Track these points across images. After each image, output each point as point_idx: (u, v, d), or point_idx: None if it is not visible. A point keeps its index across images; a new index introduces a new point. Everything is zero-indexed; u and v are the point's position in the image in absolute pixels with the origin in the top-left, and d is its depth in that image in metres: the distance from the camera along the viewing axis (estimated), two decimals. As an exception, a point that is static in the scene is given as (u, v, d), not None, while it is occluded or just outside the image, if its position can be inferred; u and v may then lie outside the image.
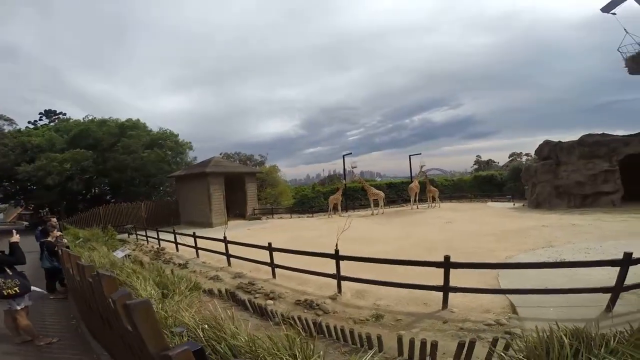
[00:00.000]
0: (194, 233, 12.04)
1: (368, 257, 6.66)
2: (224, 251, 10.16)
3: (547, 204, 18.16)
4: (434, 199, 23.86)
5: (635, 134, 16.94)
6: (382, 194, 23.25)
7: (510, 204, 22.24)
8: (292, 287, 7.56)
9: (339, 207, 23.71)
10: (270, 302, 6.67)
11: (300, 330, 2.63)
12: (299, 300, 6.55)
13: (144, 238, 16.31)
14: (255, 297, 6.97)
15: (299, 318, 4.73)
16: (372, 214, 21.95)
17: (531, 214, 16.64)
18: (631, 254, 4.58)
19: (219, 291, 6.93)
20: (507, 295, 5.58)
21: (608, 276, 5.41)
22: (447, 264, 5.30)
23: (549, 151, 18.84)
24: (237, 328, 2.52)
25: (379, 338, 3.74)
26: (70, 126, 29.26)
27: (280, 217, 24.48)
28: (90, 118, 31.04)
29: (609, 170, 16.68)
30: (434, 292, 5.72)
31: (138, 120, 30.74)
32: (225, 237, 10.24)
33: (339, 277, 6.77)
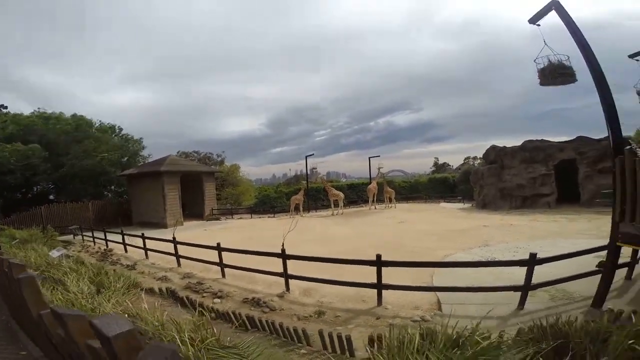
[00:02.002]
0: (142, 234, 11.92)
1: (311, 256, 6.98)
2: (173, 252, 10.11)
3: (493, 205, 19.47)
4: (390, 200, 24.68)
5: (569, 141, 18.60)
6: (341, 194, 23.69)
7: (461, 205, 23.58)
8: (242, 286, 7.71)
9: (301, 208, 23.84)
10: (217, 300, 6.81)
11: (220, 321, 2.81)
12: (247, 299, 6.73)
13: (91, 239, 15.83)
14: (203, 297, 7.09)
15: (233, 313, 4.95)
16: (333, 214, 22.30)
17: (477, 215, 17.77)
18: (535, 254, 5.06)
19: (160, 290, 6.99)
20: (437, 292, 5.95)
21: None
22: (379, 263, 5.59)
23: (494, 155, 20.23)
24: (152, 316, 2.84)
25: (304, 332, 3.96)
26: (8, 119, 26.83)
27: (240, 218, 24.24)
28: (38, 112, 28.69)
29: (546, 174, 18.21)
30: (372, 290, 6.00)
31: (83, 117, 28.85)
32: (174, 238, 10.18)
33: (286, 275, 7.04)
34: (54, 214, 22.06)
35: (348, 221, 18.71)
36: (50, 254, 8.37)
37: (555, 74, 4.89)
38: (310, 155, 28.49)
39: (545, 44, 5.24)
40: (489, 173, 19.85)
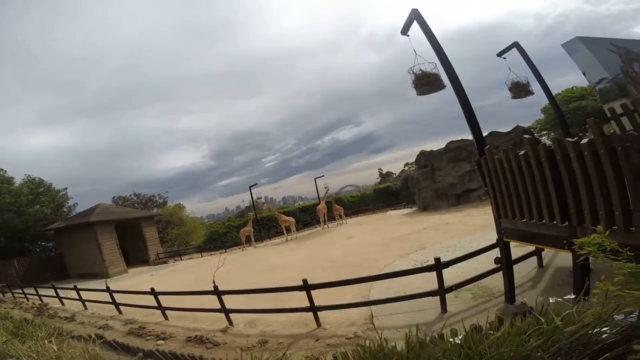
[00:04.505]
0: (75, 286, 11.92)
1: (245, 289, 7.20)
2: (110, 300, 10.13)
3: (432, 205, 20.72)
4: (340, 216, 25.15)
5: (484, 136, 20.57)
6: (292, 219, 23.62)
7: (406, 210, 24.77)
8: (185, 325, 7.80)
9: (252, 239, 23.34)
10: (161, 342, 6.96)
11: None
12: (190, 337, 6.86)
13: (23, 296, 15.43)
14: (147, 340, 7.27)
15: (157, 350, 5.04)
16: (286, 240, 22.09)
17: (419, 218, 18.72)
18: (439, 259, 5.44)
19: (89, 335, 6.78)
20: (371, 306, 6.11)
21: (456, 274, 6.33)
22: (306, 287, 5.69)
23: (424, 160, 21.71)
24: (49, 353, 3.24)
25: None
26: None
27: (190, 258, 23.28)
28: None
29: (471, 170, 19.80)
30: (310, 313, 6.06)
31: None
32: (107, 287, 10.30)
33: (225, 310, 7.14)
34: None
35: (301, 245, 18.68)
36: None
37: (419, 84, 5.39)
38: (254, 185, 28.42)
39: (416, 53, 5.71)
40: (423, 177, 21.21)
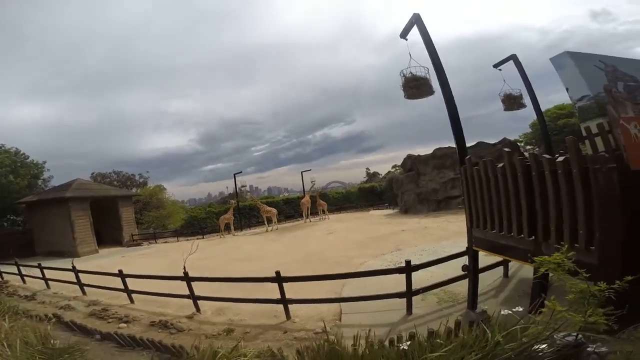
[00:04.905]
0: (39, 264, 11.62)
1: (215, 277, 7.09)
2: (75, 281, 9.94)
3: (413, 209, 20.99)
4: (324, 212, 25.23)
5: (471, 146, 20.92)
6: (274, 210, 23.53)
7: (388, 211, 25.07)
8: (151, 310, 7.73)
9: (232, 227, 23.15)
10: (123, 325, 6.88)
11: None
12: (154, 322, 6.80)
13: None
14: (109, 322, 7.17)
15: (116, 333, 4.90)
16: (267, 231, 21.99)
17: (399, 220, 18.97)
18: (409, 262, 5.53)
19: (46, 315, 6.67)
20: (341, 303, 6.16)
21: (426, 278, 6.42)
22: (279, 279, 5.68)
23: (411, 164, 21.95)
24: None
25: (180, 347, 3.94)
26: None
27: (166, 242, 22.89)
28: None
29: (455, 178, 20.09)
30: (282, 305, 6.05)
31: None
32: (73, 267, 10.06)
33: (193, 297, 7.10)
34: None
35: (281, 237, 18.63)
36: None
37: (408, 87, 5.39)
38: (239, 173, 28.13)
39: (410, 56, 5.69)
40: (407, 180, 21.45)
